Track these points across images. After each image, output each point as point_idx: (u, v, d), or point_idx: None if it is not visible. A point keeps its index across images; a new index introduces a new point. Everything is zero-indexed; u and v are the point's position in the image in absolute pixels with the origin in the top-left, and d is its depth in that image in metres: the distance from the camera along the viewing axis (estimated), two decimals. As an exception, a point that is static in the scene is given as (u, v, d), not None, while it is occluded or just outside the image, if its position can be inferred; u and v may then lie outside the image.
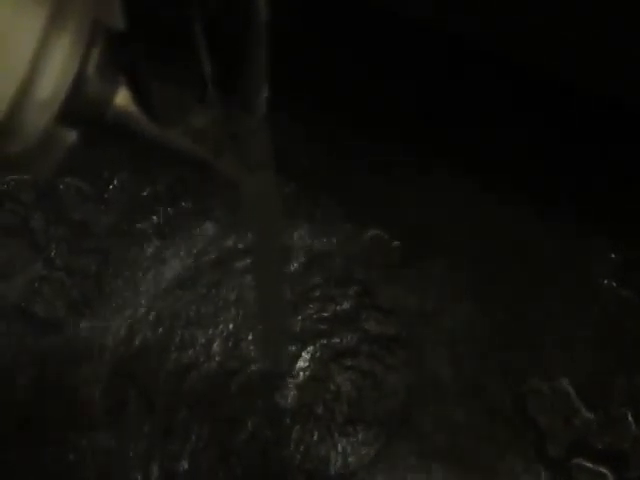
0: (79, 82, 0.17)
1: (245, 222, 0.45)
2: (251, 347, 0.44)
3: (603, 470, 0.40)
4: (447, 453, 0.41)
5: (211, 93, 0.20)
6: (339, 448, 0.41)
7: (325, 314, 0.45)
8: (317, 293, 0.45)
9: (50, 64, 0.16)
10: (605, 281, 0.46)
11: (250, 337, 0.44)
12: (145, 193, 0.48)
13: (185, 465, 0.40)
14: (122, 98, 0.19)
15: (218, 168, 0.22)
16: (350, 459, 0.41)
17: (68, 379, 0.42)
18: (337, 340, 0.44)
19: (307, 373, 0.43)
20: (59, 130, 0.18)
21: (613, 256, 0.46)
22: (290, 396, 0.42)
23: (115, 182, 0.48)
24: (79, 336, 0.43)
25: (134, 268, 0.45)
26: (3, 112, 0.16)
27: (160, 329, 0.43)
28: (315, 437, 0.41)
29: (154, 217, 0.47)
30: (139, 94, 0.19)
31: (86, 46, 0.17)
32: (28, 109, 0.16)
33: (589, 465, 0.41)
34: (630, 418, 0.42)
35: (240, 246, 0.46)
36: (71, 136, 0.18)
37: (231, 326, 0.44)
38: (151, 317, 0.44)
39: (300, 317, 0.44)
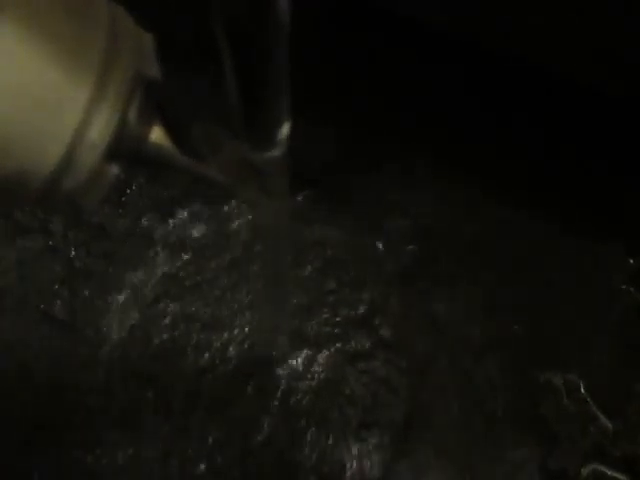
0: (122, 125, 0.20)
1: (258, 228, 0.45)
2: (266, 350, 0.44)
3: (620, 477, 0.40)
4: (463, 456, 0.41)
5: (239, 126, 0.22)
6: (354, 452, 0.41)
7: (339, 318, 0.45)
8: (332, 298, 0.45)
9: (99, 113, 0.19)
10: (623, 286, 0.45)
11: (265, 340, 0.44)
12: (161, 197, 0.48)
13: (202, 466, 0.40)
14: (157, 135, 0.21)
15: (242, 196, 0.24)
16: (365, 462, 0.41)
17: (86, 380, 0.42)
18: (351, 344, 0.44)
19: (322, 376, 0.43)
20: (104, 166, 0.20)
21: (631, 262, 0.46)
22: (305, 399, 0.42)
23: (133, 187, 0.48)
24: (97, 337, 0.43)
25: (151, 271, 0.46)
26: (61, 155, 0.19)
27: (176, 332, 0.44)
28: (330, 440, 0.41)
29: (170, 221, 0.47)
30: (172, 130, 0.22)
31: (128, 95, 0.20)
32: (81, 151, 0.19)
33: (606, 471, 0.40)
34: (648, 425, 0.41)
35: (255, 250, 0.47)
36: (113, 170, 0.21)
37: (246, 329, 0.44)
38: (168, 320, 0.44)
39: (315, 321, 0.45)
